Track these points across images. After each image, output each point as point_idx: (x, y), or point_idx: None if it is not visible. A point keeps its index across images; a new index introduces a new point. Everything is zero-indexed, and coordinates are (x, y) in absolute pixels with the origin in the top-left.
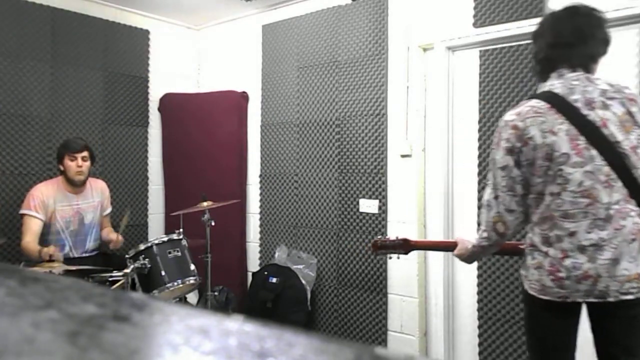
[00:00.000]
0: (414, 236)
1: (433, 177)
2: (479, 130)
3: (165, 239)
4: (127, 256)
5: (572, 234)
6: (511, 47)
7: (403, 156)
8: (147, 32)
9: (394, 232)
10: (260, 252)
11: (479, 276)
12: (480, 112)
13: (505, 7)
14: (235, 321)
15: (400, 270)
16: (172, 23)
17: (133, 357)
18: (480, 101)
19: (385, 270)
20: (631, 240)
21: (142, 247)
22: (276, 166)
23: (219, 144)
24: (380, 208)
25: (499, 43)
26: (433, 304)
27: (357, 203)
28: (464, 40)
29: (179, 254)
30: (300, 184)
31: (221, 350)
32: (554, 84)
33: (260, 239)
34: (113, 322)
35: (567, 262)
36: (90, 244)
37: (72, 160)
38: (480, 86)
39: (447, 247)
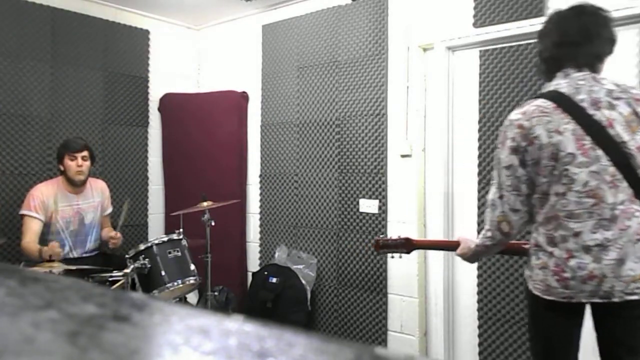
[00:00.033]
0: (414, 236)
1: (433, 177)
2: (479, 130)
3: (165, 239)
4: (127, 256)
5: (577, 234)
6: (511, 47)
7: (403, 156)
8: (147, 32)
9: (394, 232)
10: (260, 252)
11: (479, 276)
12: (480, 112)
13: (505, 7)
14: (235, 321)
15: (400, 270)
16: (172, 23)
17: (133, 357)
18: (480, 101)
19: (385, 270)
20: (636, 240)
21: (142, 247)
22: (276, 166)
23: (219, 144)
24: (380, 208)
25: (499, 43)
26: (433, 304)
27: (357, 203)
28: (464, 40)
29: (179, 254)
30: (300, 184)
31: (221, 350)
32: (560, 84)
33: (260, 239)
34: (113, 322)
35: (572, 262)
36: (91, 244)
37: (72, 160)
38: (480, 86)
39: (449, 246)
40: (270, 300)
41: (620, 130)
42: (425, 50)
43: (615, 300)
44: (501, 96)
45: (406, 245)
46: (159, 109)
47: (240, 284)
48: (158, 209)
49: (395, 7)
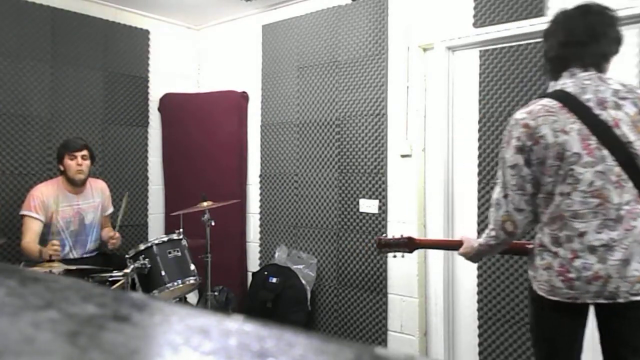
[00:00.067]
0: (415, 236)
1: (433, 177)
2: (479, 130)
3: (165, 239)
4: (127, 256)
5: (582, 234)
6: (511, 47)
7: (403, 156)
8: (147, 32)
9: (394, 232)
10: (260, 252)
11: (479, 276)
12: (480, 112)
13: (505, 7)
14: (235, 321)
15: (400, 270)
16: (172, 23)
17: (133, 357)
18: (480, 101)
19: (385, 270)
20: None
21: (142, 247)
22: (276, 166)
23: (219, 144)
24: (380, 208)
25: (499, 43)
26: (433, 304)
27: (357, 203)
28: (464, 40)
29: (179, 254)
30: (300, 184)
31: (221, 350)
32: (566, 83)
33: (260, 239)
34: (113, 322)
35: (577, 262)
36: (91, 244)
37: (71, 159)
38: (480, 86)
39: (452, 245)
40: (270, 300)
41: (626, 131)
42: (425, 50)
43: (621, 300)
44: (501, 96)
45: (409, 245)
46: (159, 109)
47: (240, 284)
48: (158, 209)
49: (395, 7)
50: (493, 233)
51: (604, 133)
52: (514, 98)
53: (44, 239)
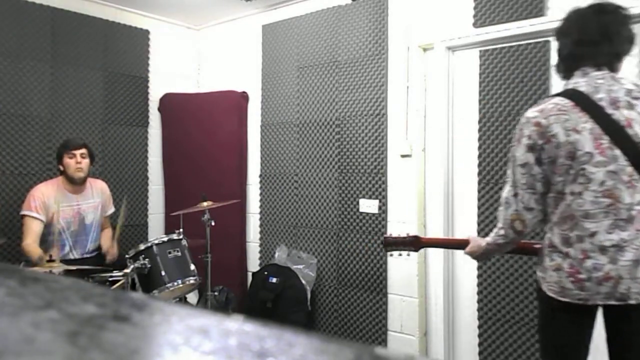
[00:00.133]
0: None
1: (433, 177)
2: (479, 130)
3: (165, 239)
4: (127, 256)
5: (593, 235)
6: (511, 47)
7: (403, 156)
8: (147, 32)
9: (394, 231)
10: (260, 252)
11: (479, 276)
12: (480, 112)
13: (505, 7)
14: (235, 321)
15: (400, 270)
16: (172, 23)
17: (133, 357)
18: (480, 101)
19: (385, 270)
20: None
21: (142, 247)
22: (276, 166)
23: (219, 144)
24: (380, 208)
25: (499, 43)
26: (433, 304)
27: (357, 203)
28: (464, 40)
29: (179, 254)
30: (300, 184)
31: (221, 350)
32: (579, 82)
33: (260, 239)
34: (113, 322)
35: (588, 263)
36: (91, 244)
37: (70, 158)
38: (480, 86)
39: (458, 244)
40: (270, 300)
41: (638, 130)
42: (425, 50)
43: (632, 302)
44: (501, 96)
45: (415, 244)
46: (159, 109)
47: (240, 284)
48: (158, 209)
49: (395, 7)
50: (502, 232)
51: (616, 133)
52: (514, 98)
53: (44, 239)
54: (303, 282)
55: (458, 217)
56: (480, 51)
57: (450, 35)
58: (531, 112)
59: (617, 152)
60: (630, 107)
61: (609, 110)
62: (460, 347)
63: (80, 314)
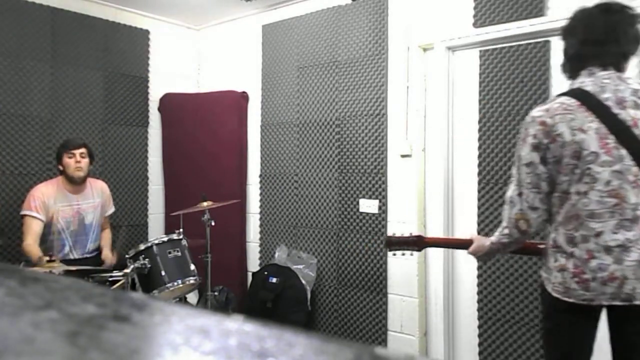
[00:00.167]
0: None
1: (433, 177)
2: (479, 130)
3: (165, 239)
4: (127, 256)
5: (598, 235)
6: (511, 47)
7: (403, 156)
8: (147, 32)
9: (394, 231)
10: (260, 252)
11: (479, 276)
12: (480, 112)
13: (505, 7)
14: (235, 321)
15: (400, 270)
16: (172, 23)
17: (133, 357)
18: (480, 101)
19: (385, 270)
20: None
21: (142, 247)
22: (276, 166)
23: (219, 144)
24: (380, 208)
25: (499, 43)
26: (433, 304)
27: (357, 203)
28: (464, 40)
29: (179, 254)
30: (300, 184)
31: (221, 350)
32: (585, 82)
33: (260, 239)
34: (113, 322)
35: (593, 263)
36: (91, 244)
37: (70, 158)
38: (480, 86)
39: (461, 244)
40: (270, 300)
41: None
42: (425, 50)
43: (637, 303)
44: (501, 96)
45: (418, 243)
46: (159, 109)
47: (240, 284)
48: (158, 209)
49: (395, 7)
50: (506, 231)
51: (622, 132)
52: (514, 98)
53: (44, 239)
54: (303, 282)
55: (458, 217)
56: (480, 51)
57: (450, 35)
58: (537, 111)
59: (623, 151)
60: (637, 107)
61: (615, 110)
62: (460, 347)
63: (80, 314)
